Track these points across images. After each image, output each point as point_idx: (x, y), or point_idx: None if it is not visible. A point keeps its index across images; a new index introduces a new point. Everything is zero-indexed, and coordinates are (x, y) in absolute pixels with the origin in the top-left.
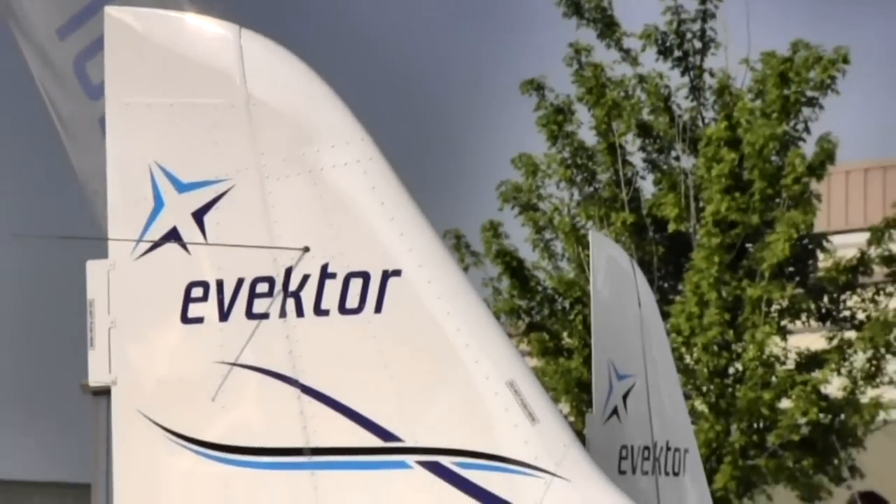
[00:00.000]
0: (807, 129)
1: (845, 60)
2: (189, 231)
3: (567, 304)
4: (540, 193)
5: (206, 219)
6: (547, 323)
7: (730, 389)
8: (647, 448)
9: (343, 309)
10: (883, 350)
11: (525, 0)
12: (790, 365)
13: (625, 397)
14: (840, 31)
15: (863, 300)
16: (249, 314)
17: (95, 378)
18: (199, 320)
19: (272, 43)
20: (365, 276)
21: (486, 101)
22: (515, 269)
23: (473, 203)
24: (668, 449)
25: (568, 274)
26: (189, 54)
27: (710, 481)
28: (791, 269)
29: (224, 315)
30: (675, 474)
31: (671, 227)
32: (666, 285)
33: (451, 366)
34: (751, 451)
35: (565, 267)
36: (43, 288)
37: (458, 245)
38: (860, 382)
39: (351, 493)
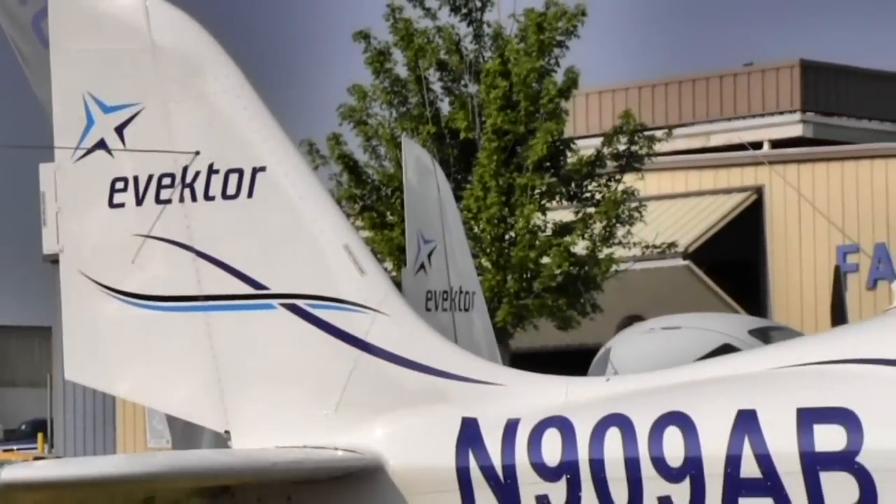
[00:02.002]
0: (557, 64)
1: (583, 14)
2: (113, 141)
3: (389, 191)
4: (368, 113)
5: (126, 132)
6: (375, 205)
7: (506, 250)
8: (445, 292)
9: (225, 195)
10: (614, 220)
11: None
12: (549, 232)
13: (429, 256)
14: None
15: (599, 185)
16: (157, 200)
17: (48, 248)
18: (122, 205)
19: (168, 4)
20: (240, 172)
21: (329, 48)
22: (352, 167)
23: (321, 120)
24: (461, 292)
25: (389, 170)
26: (110, 12)
27: (492, 317)
28: (548, 163)
29: (139, 201)
30: (466, 310)
31: (462, 136)
32: (459, 177)
33: (304, 235)
34: (522, 294)
35: (387, 165)
36: (12, 184)
37: (310, 150)
38: (598, 244)
39: (233, 328)
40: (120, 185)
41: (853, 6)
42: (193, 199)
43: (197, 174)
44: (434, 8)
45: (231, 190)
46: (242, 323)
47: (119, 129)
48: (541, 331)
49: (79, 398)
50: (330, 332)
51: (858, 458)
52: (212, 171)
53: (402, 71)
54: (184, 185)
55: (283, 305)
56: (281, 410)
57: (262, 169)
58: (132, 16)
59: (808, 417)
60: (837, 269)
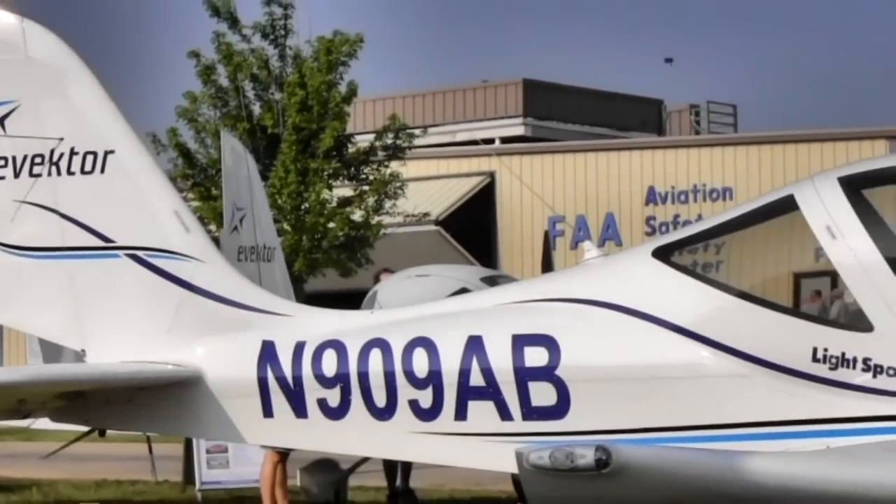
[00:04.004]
0: (341, 78)
1: (361, 41)
2: None
3: (214, 172)
4: (198, 112)
5: (6, 122)
6: (203, 182)
7: (302, 217)
8: (253, 247)
9: (83, 171)
10: (383, 196)
11: (188, 5)
12: (334, 204)
13: (241, 220)
14: (363, 22)
15: (372, 169)
16: (31, 174)
17: None
18: (3, 178)
19: (39, 25)
20: (95, 154)
21: (170, 62)
22: (186, 153)
23: (162, 117)
24: (265, 248)
25: (214, 156)
26: None
27: (290, 267)
28: (334, 153)
29: (17, 175)
30: (269, 261)
31: (269, 131)
32: (266, 162)
33: (143, 201)
34: (314, 250)
35: (213, 152)
36: None
37: (153, 140)
38: (371, 213)
39: (88, 272)
40: (1, 162)
41: (566, 39)
42: (59, 173)
43: (61, 155)
44: (249, 34)
45: (88, 167)
46: (95, 268)
47: (1, 121)
48: (328, 277)
49: None
50: (162, 276)
51: (556, 372)
52: (73, 152)
53: (224, 81)
54: (51, 163)
55: (127, 255)
56: (125, 334)
57: (112, 152)
58: (12, 35)
59: (520, 341)
60: (547, 234)
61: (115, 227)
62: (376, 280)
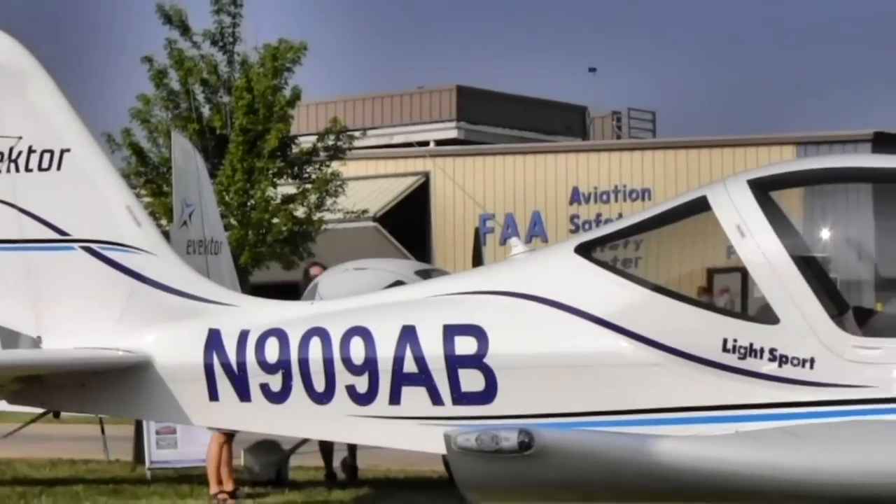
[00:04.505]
0: (286, 83)
1: (305, 48)
2: None
3: (165, 170)
4: (151, 114)
5: None
6: (155, 179)
7: (248, 213)
8: (201, 241)
9: (40, 168)
10: (324, 193)
11: (141, 13)
12: (278, 201)
13: (190, 215)
14: (308, 31)
15: (314, 168)
16: None
17: None
18: None
19: (1, 30)
20: (51, 152)
21: (124, 66)
22: (139, 152)
23: (117, 117)
24: (212, 241)
25: (165, 154)
26: None
27: (236, 261)
28: (279, 153)
29: None
30: (216, 254)
31: (218, 132)
32: (215, 161)
33: (98, 198)
34: (259, 244)
35: (164, 151)
36: None
37: (108, 140)
38: (313, 210)
39: (45, 263)
40: None
41: (497, 49)
42: (17, 170)
43: (20, 153)
44: (199, 41)
45: (45, 165)
46: (51, 260)
47: None
48: (272, 270)
49: None
50: (115, 267)
51: (485, 360)
52: (31, 150)
53: (175, 85)
54: (10, 160)
55: (81, 248)
56: (79, 322)
57: (68, 150)
58: None
59: (451, 331)
60: (477, 231)
61: (70, 220)
62: (306, 273)
